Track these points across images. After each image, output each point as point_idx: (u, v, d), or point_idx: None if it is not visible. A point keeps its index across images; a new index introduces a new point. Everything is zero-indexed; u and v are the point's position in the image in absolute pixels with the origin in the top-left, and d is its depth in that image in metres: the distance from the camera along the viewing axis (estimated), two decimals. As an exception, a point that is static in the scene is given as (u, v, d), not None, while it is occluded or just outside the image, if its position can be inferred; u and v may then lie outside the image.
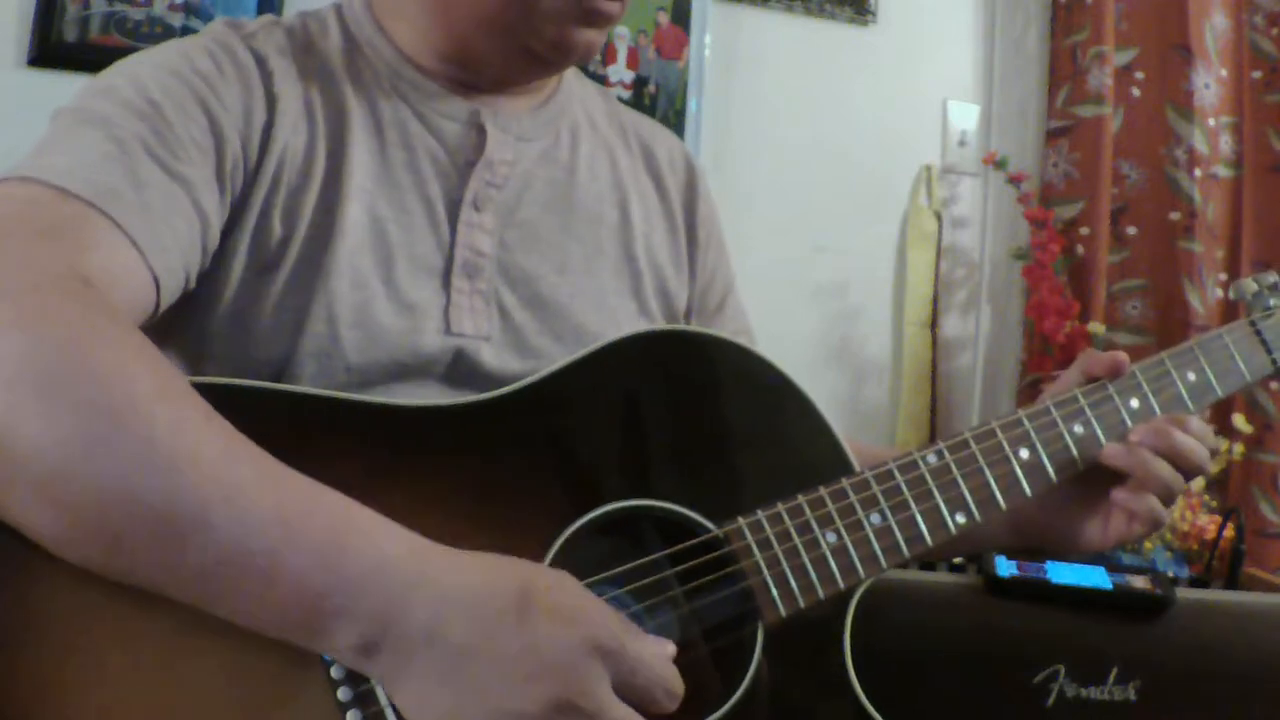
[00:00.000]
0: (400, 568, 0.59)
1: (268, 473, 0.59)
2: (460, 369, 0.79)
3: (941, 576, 1.19)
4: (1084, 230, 1.85)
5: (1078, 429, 0.81)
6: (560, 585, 0.62)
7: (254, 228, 0.76)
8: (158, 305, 0.69)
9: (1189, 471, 0.80)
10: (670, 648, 0.64)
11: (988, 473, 0.77)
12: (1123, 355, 0.83)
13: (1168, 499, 0.80)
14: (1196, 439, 0.81)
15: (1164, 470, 0.79)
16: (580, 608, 0.61)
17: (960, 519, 0.75)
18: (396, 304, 0.78)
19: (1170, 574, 1.44)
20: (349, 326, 0.76)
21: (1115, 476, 0.81)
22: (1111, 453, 0.81)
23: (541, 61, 0.84)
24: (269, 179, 0.76)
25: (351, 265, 0.77)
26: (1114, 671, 1.08)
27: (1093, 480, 0.82)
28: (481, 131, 0.84)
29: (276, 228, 0.76)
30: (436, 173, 0.82)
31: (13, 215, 0.63)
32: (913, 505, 0.74)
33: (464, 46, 0.83)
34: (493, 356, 0.80)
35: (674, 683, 0.62)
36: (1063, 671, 1.08)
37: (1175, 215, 1.87)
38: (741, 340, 0.81)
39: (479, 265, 0.81)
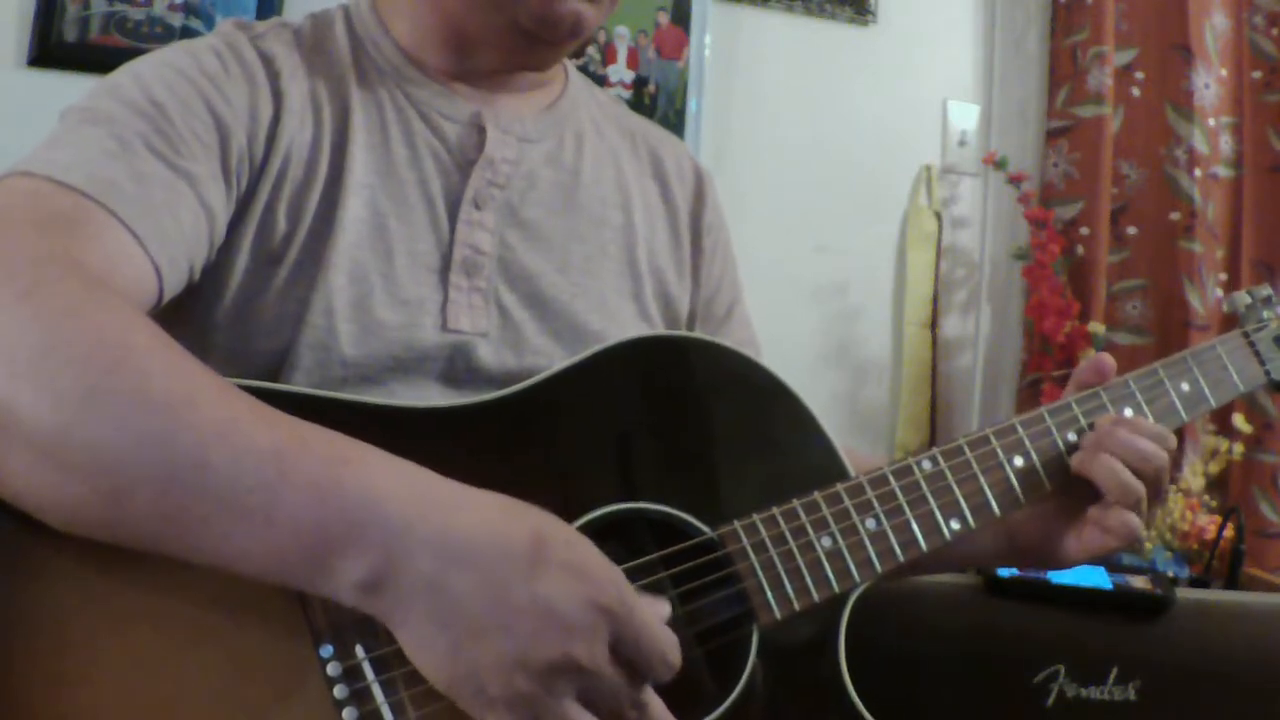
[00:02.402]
0: (397, 505, 0.58)
1: (264, 413, 0.59)
2: (457, 366, 0.79)
3: (941, 576, 1.19)
4: (1084, 230, 1.84)
5: (1071, 437, 0.80)
6: (574, 541, 0.62)
7: (259, 222, 0.76)
8: (160, 295, 0.69)
9: (1143, 473, 0.77)
10: (665, 608, 0.63)
11: (982, 479, 0.77)
12: (1106, 356, 0.83)
13: (1134, 506, 0.77)
14: (1150, 439, 0.78)
15: (1126, 475, 0.76)
16: (593, 566, 0.61)
17: (955, 525, 0.75)
18: (394, 299, 0.78)
19: (1170, 574, 1.44)
20: (346, 320, 0.76)
21: (1095, 489, 0.79)
22: (1076, 461, 0.79)
23: (534, 39, 0.84)
24: (274, 174, 0.77)
25: (351, 259, 0.77)
26: (1114, 671, 1.09)
27: (1075, 493, 0.81)
28: (482, 131, 0.84)
29: (281, 222, 0.77)
30: (438, 170, 0.82)
31: (13, 207, 0.64)
32: (907, 510, 0.74)
33: (457, 29, 0.84)
34: (490, 354, 0.80)
35: (673, 652, 0.62)
36: (1063, 671, 1.09)
37: (1175, 215, 1.87)
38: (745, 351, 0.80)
39: (478, 263, 0.81)
